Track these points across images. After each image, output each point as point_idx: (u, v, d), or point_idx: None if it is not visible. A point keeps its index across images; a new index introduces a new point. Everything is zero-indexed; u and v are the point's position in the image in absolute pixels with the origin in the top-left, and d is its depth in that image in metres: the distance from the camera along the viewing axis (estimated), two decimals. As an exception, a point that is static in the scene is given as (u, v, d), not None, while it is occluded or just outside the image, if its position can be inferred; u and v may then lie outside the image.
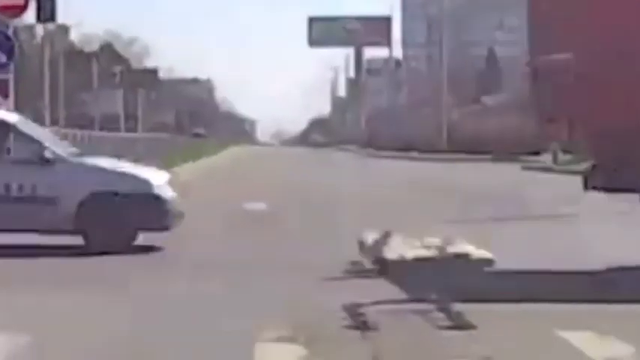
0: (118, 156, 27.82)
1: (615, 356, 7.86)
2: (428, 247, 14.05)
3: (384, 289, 11.98)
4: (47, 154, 16.55)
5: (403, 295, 11.37)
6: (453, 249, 14.08)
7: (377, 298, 10.91)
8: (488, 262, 13.89)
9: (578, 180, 16.02)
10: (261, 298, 11.60)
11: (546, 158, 47.07)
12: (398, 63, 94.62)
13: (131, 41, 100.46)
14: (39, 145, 16.59)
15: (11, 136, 16.90)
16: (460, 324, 9.06)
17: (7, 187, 16.40)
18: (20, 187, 16.89)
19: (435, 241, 14.25)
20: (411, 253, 13.68)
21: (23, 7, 20.07)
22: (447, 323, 9.28)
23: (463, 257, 13.80)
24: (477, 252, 14.04)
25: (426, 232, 16.09)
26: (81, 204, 16.67)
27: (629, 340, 8.21)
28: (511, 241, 17.29)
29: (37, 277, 13.49)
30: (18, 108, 22.63)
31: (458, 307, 9.85)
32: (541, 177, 42.22)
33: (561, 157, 43.51)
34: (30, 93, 31.04)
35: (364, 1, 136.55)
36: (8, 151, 17.12)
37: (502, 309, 10.40)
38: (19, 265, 14.50)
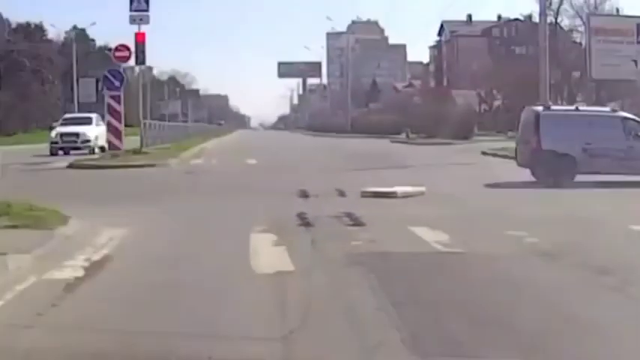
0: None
1: (440, 239, 11.89)
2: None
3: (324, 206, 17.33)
4: None
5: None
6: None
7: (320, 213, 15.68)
8: (420, 194, 19.01)
9: (421, 148, 22.11)
10: (254, 208, 15.99)
11: (402, 136, 67.49)
12: (324, 87, 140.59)
13: (184, 74, 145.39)
14: None
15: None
16: (358, 223, 13.82)
17: None
18: None
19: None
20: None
21: (128, 57, 26.68)
22: (351, 222, 13.98)
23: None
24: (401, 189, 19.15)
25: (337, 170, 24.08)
26: None
27: (447, 231, 12.55)
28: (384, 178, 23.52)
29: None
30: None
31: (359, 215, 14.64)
32: (399, 146, 55.75)
33: (410, 135, 67.10)
34: (131, 104, 38.17)
35: (307, 52, 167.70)
36: None
37: (383, 216, 15.36)
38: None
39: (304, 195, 18.72)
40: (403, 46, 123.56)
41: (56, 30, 77.89)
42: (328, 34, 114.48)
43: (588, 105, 41.68)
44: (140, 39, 26.89)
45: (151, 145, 39.73)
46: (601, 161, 22.75)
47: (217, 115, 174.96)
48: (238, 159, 38.10)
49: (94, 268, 9.78)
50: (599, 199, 18.26)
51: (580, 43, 51.33)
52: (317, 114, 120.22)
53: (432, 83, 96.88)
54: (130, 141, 37.25)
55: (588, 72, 46.74)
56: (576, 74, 51.79)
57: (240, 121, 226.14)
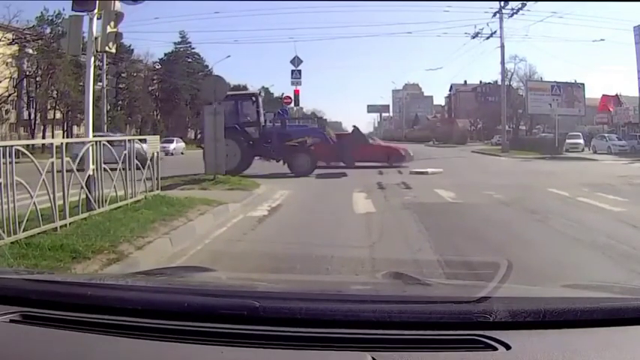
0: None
1: (450, 195, 11.93)
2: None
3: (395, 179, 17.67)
4: None
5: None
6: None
7: (389, 182, 16.31)
8: (440, 173, 18.83)
9: (440, 149, 21.29)
10: (354, 181, 16.11)
11: (431, 143, 62.38)
12: (391, 117, 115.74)
13: (319, 110, 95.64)
14: None
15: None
16: (408, 187, 13.98)
17: None
18: None
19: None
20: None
21: (290, 102, 26.97)
22: (404, 187, 14.15)
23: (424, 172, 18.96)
24: (430, 169, 19.14)
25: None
26: None
27: (454, 191, 12.56)
28: (421, 164, 22.22)
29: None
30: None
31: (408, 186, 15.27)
32: (429, 148, 58.48)
33: (435, 142, 61.55)
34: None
35: (381, 99, 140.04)
36: None
37: (421, 184, 15.60)
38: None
39: (380, 173, 18.68)
40: (431, 97, 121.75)
41: (253, 88, 78.34)
42: (393, 90, 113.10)
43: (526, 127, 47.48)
44: (296, 92, 27.47)
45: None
46: None
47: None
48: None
49: (272, 210, 10.06)
50: (533, 174, 18.12)
51: (522, 95, 52.32)
52: (387, 132, 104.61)
53: (446, 115, 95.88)
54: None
55: (526, 109, 49.09)
56: (520, 111, 53.12)
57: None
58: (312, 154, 18.60)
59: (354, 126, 21.33)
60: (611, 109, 46.87)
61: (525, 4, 34.65)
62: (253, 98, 19.54)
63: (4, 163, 5.71)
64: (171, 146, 36.76)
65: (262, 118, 19.40)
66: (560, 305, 1.43)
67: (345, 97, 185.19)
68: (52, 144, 7.20)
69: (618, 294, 1.85)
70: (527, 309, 1.40)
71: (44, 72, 45.61)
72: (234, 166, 17.09)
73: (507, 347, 1.28)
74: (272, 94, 64.71)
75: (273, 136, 18.63)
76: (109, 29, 8.52)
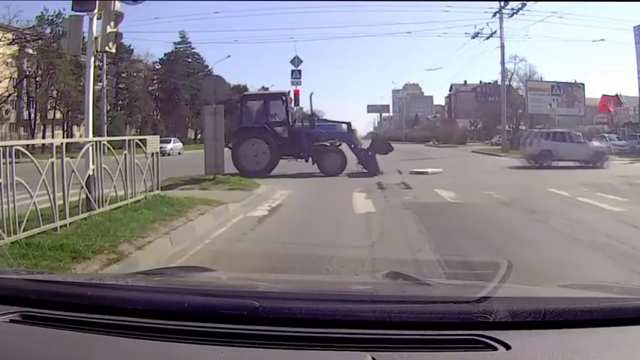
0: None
1: (450, 195, 11.90)
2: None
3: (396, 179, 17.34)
4: None
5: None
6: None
7: (388, 182, 16.14)
8: (440, 173, 18.79)
9: (440, 149, 20.70)
10: (354, 181, 16.04)
11: (431, 143, 61.90)
12: (391, 117, 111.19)
13: (319, 110, 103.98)
14: None
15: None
16: (408, 187, 13.88)
17: None
18: None
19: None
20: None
21: (291, 102, 24.27)
22: (404, 187, 14.05)
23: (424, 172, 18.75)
24: (430, 170, 19.11)
25: (397, 160, 21.78)
26: None
27: (454, 191, 12.49)
28: (421, 164, 21.91)
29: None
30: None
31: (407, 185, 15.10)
32: (429, 148, 57.00)
33: (435, 142, 60.06)
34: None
35: (381, 99, 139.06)
36: None
37: (421, 184, 15.41)
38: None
39: (380, 172, 18.47)
40: (431, 97, 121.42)
41: (253, 88, 77.82)
42: (393, 90, 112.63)
43: (526, 127, 45.07)
44: (297, 92, 27.49)
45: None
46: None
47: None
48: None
49: (272, 210, 10.05)
50: (533, 174, 18.12)
51: (522, 95, 52.32)
52: (387, 132, 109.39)
53: (446, 115, 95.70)
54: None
55: (526, 109, 49.43)
56: (520, 111, 53.13)
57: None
58: (343, 154, 18.48)
59: (376, 133, 21.34)
60: (611, 109, 46.87)
61: (525, 4, 34.72)
62: (283, 98, 19.40)
63: (4, 163, 5.71)
64: (169, 146, 36.70)
65: (291, 118, 19.40)
66: (560, 305, 1.43)
67: (345, 97, 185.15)
68: (52, 144, 7.19)
69: (618, 294, 1.85)
70: (527, 309, 1.40)
71: (44, 72, 45.67)
72: (264, 166, 17.32)
73: (507, 347, 1.28)
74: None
75: (301, 135, 18.52)
76: (109, 29, 8.54)
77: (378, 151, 18.98)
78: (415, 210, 9.63)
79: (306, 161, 18.50)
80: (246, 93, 21.19)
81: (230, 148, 15.02)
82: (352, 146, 18.96)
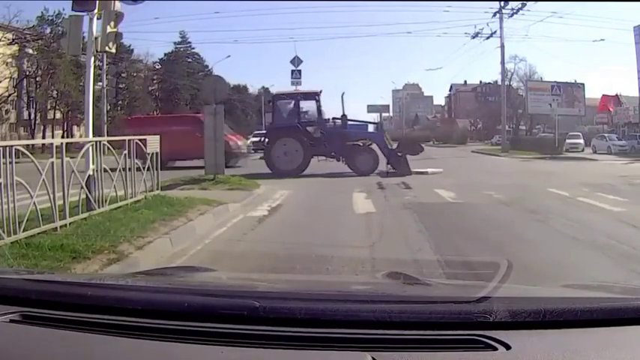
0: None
1: (450, 195, 11.87)
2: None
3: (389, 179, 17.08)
4: None
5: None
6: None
7: (388, 182, 16.09)
8: (440, 172, 18.57)
9: (440, 149, 20.36)
10: (354, 181, 15.99)
11: (431, 143, 56.77)
12: (391, 117, 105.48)
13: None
14: None
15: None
16: (408, 187, 13.83)
17: None
18: None
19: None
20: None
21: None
22: (404, 187, 14.03)
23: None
24: (430, 169, 18.90)
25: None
26: None
27: (454, 191, 12.45)
28: (421, 164, 21.75)
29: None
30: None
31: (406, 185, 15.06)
32: (429, 148, 56.05)
33: (435, 142, 60.44)
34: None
35: (381, 99, 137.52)
36: None
37: (421, 184, 15.36)
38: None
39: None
40: (431, 97, 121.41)
41: (253, 88, 77.80)
42: (393, 90, 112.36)
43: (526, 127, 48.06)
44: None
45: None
46: None
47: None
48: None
49: (272, 210, 10.03)
50: (533, 174, 18.02)
51: (522, 95, 52.49)
52: (387, 132, 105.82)
53: (446, 115, 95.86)
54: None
55: (526, 109, 49.15)
56: (520, 111, 53.31)
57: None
58: (375, 154, 18.45)
59: (405, 134, 21.20)
60: (611, 109, 46.86)
61: (525, 4, 34.67)
62: (316, 97, 19.26)
63: (4, 163, 5.70)
64: None
65: (323, 117, 19.35)
66: (560, 305, 1.43)
67: (345, 96, 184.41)
68: (52, 144, 7.19)
69: (618, 294, 1.85)
70: (527, 309, 1.40)
71: (44, 72, 45.69)
72: (296, 166, 17.30)
73: (507, 347, 1.28)
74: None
75: (333, 135, 18.47)
76: (109, 29, 8.53)
77: (408, 151, 18.93)
78: (415, 210, 9.61)
79: (338, 160, 18.50)
80: (277, 92, 21.29)
81: (263, 148, 14.86)
82: (382, 147, 18.76)
